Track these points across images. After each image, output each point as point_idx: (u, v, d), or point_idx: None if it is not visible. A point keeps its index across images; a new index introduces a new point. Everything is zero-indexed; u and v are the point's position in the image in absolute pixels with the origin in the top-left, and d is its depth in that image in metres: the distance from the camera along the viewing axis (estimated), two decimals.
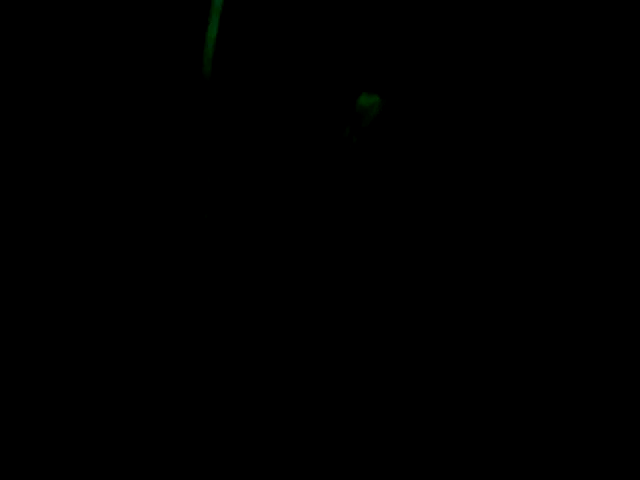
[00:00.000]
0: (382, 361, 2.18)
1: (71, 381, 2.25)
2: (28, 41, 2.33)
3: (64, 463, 2.16)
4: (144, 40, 2.31)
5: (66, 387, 2.25)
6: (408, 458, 2.13)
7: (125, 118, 2.33)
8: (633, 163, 2.27)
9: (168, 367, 2.25)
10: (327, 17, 2.22)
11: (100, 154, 2.34)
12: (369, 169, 2.14)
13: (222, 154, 2.19)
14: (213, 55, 2.19)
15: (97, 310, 2.32)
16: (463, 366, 2.17)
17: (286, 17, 2.24)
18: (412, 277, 2.17)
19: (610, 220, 2.29)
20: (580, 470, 2.11)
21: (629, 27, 2.30)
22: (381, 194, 2.15)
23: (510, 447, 2.13)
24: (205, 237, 2.19)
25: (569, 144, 2.23)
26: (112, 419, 2.22)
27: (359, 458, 2.14)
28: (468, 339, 2.18)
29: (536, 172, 2.22)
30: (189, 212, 2.26)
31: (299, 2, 2.22)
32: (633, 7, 2.31)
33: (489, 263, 2.21)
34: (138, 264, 2.34)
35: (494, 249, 2.20)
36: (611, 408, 2.16)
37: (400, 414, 2.15)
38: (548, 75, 2.22)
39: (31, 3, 2.27)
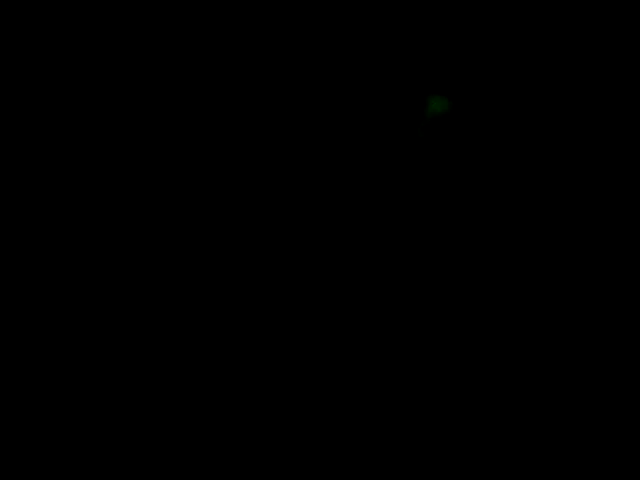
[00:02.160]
0: (383, 360, 2.18)
1: (71, 380, 2.25)
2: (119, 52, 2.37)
3: (64, 463, 2.16)
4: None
5: (66, 386, 2.24)
6: (408, 457, 2.13)
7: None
8: (633, 163, 2.27)
9: (168, 365, 2.25)
10: (398, 18, 2.24)
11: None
12: (438, 169, 2.17)
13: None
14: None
15: (96, 309, 2.32)
16: (463, 365, 2.17)
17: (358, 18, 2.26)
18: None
19: (610, 220, 2.29)
20: (580, 470, 2.11)
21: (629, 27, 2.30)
22: (449, 192, 2.17)
23: (510, 447, 2.13)
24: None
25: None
26: (112, 417, 2.22)
27: (359, 457, 2.13)
28: (468, 338, 2.19)
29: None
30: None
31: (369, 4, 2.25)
32: (633, 7, 2.31)
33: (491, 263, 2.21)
34: (140, 261, 2.34)
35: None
36: (611, 408, 2.16)
37: (400, 413, 2.15)
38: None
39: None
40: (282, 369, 2.20)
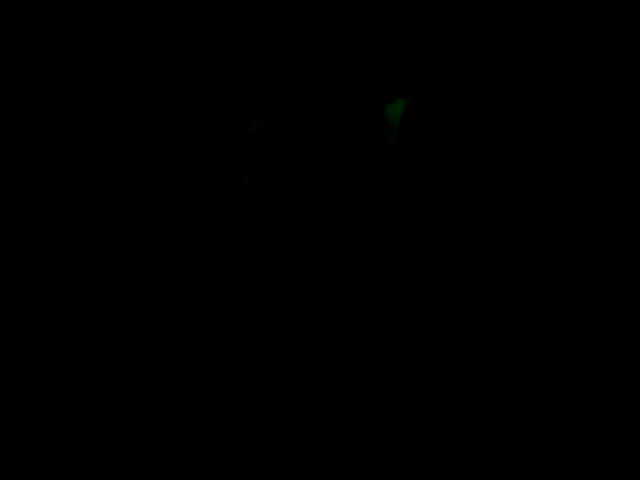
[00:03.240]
0: (383, 361, 2.18)
1: (72, 381, 2.25)
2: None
3: (64, 463, 2.16)
4: None
5: (67, 387, 2.25)
6: (408, 458, 2.13)
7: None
8: (633, 163, 2.27)
9: (170, 365, 2.25)
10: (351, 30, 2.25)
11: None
12: (402, 172, 2.18)
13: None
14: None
15: (100, 308, 2.32)
16: (463, 366, 2.17)
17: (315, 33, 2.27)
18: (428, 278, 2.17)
19: (610, 220, 2.29)
20: (580, 470, 2.11)
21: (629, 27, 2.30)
22: (414, 194, 2.18)
23: (510, 447, 2.13)
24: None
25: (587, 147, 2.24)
26: (113, 418, 2.22)
27: (359, 458, 2.14)
28: (469, 339, 2.19)
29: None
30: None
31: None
32: (633, 7, 2.31)
33: (492, 264, 2.21)
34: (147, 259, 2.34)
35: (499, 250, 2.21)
36: (611, 408, 2.16)
37: (400, 414, 2.15)
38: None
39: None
40: (282, 369, 2.20)
